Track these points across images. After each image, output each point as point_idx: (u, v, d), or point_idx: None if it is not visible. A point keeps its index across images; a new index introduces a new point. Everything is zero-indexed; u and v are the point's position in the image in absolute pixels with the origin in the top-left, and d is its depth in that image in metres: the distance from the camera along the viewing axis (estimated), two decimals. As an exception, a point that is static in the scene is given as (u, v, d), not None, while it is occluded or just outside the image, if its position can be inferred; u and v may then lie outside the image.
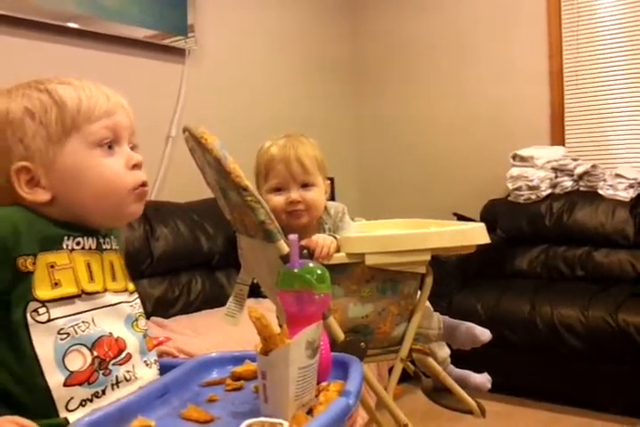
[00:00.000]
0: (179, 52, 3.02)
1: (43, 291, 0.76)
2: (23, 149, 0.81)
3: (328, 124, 3.70)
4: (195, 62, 3.09)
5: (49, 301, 0.76)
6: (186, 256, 2.67)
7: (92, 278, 0.81)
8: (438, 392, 1.58)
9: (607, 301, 2.60)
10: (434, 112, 3.83)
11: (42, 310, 0.75)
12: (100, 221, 0.85)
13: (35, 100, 0.82)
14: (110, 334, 0.81)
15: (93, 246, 0.84)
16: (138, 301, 0.91)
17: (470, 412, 1.53)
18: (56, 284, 0.77)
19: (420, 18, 3.84)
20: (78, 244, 0.81)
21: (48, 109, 0.82)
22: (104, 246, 0.86)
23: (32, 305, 0.75)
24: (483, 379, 1.62)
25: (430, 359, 1.49)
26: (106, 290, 0.83)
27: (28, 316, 0.75)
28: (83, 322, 0.78)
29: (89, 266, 0.82)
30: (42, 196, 0.81)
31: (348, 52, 4.06)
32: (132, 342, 0.84)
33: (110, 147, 0.85)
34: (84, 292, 0.80)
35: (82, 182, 0.82)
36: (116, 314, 0.84)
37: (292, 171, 1.37)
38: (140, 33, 2.81)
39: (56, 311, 0.76)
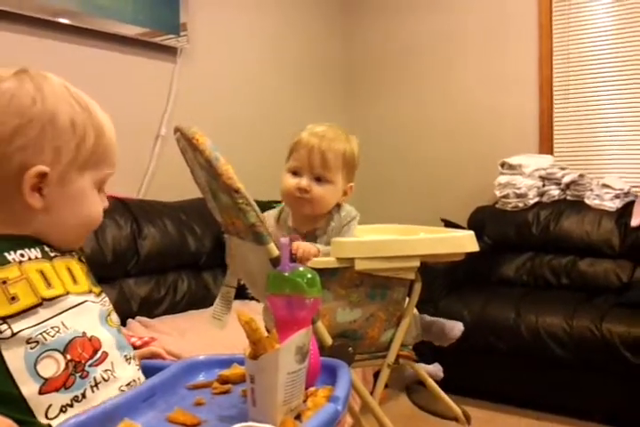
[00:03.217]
0: (170, 51, 3.00)
1: (0, 308, 0.73)
2: (52, 156, 0.79)
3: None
4: (186, 61, 3.07)
5: (9, 316, 0.74)
6: (173, 256, 2.65)
7: (49, 284, 0.79)
8: (424, 398, 1.58)
9: (592, 310, 2.61)
10: (424, 118, 3.84)
11: (3, 327, 0.73)
12: (59, 243, 0.85)
13: (79, 115, 0.82)
14: (84, 333, 0.79)
15: (39, 256, 0.81)
16: (106, 299, 0.89)
17: (455, 419, 1.53)
18: (13, 298, 0.74)
19: (411, 25, 3.85)
20: (22, 255, 0.79)
21: (88, 134, 0.83)
22: (51, 254, 0.83)
23: None
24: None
25: (417, 365, 1.49)
26: (68, 293, 0.81)
27: None
28: (52, 328, 0.76)
29: (42, 273, 0.79)
30: (37, 202, 0.80)
31: (340, 54, 4.06)
32: (108, 338, 0.82)
33: (99, 190, 0.88)
34: (44, 299, 0.77)
35: (75, 211, 0.84)
36: (87, 312, 0.82)
37: (311, 160, 1.40)
38: (132, 30, 2.79)
39: (19, 325, 0.74)
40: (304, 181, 1.40)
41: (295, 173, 1.42)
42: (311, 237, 1.43)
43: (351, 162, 1.44)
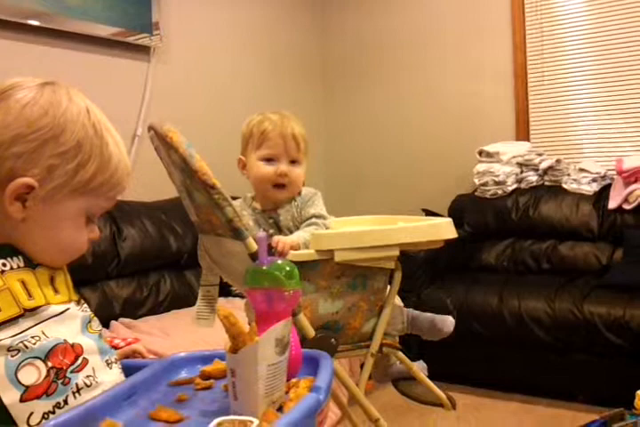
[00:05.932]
0: (144, 50, 2.98)
1: None
2: (45, 172, 0.77)
3: (296, 121, 3.68)
4: (160, 60, 3.05)
5: None
6: (154, 256, 2.64)
7: (30, 296, 0.78)
8: (409, 386, 1.59)
9: (573, 292, 2.65)
10: (402, 109, 3.85)
11: None
12: (35, 259, 0.82)
13: (88, 140, 0.80)
14: (65, 341, 0.78)
15: (21, 265, 0.80)
16: (86, 306, 0.88)
17: (441, 405, 1.54)
18: None
19: (388, 17, 3.86)
20: (5, 265, 0.78)
21: (91, 161, 0.81)
22: (34, 262, 0.81)
23: None
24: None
25: (401, 353, 1.50)
26: (49, 304, 0.80)
27: None
28: (32, 337, 0.75)
29: (24, 284, 0.78)
30: (18, 213, 0.78)
31: (316, 48, 4.06)
32: (89, 344, 0.82)
33: (89, 218, 0.85)
34: (26, 310, 0.76)
35: (51, 233, 0.81)
36: (68, 320, 0.81)
37: (287, 146, 1.47)
38: (104, 30, 2.76)
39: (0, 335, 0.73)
40: (283, 166, 1.46)
41: (269, 160, 1.47)
42: (274, 214, 1.48)
43: (307, 142, 1.54)
